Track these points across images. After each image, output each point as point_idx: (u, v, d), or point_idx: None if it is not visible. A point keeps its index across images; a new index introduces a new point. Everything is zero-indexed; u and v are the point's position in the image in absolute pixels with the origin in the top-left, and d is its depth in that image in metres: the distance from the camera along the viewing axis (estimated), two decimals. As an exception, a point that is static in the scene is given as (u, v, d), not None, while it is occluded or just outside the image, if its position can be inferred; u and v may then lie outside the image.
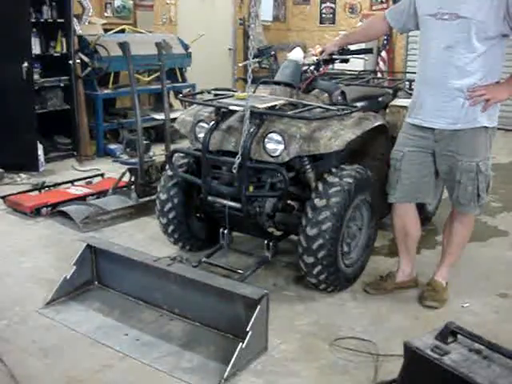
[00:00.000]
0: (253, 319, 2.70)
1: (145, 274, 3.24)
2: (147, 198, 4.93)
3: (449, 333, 2.18)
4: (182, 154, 3.85)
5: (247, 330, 2.69)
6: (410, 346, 2.19)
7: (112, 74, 7.13)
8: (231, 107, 3.44)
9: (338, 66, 4.42)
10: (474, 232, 3.57)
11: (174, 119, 4.06)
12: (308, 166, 3.43)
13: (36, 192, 5.26)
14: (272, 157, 3.31)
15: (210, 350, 2.88)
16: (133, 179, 4.99)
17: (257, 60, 4.04)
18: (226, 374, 2.63)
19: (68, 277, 3.33)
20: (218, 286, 2.90)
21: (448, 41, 3.05)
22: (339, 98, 3.75)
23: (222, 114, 3.51)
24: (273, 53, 4.15)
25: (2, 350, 2.85)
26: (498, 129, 3.34)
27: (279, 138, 3.29)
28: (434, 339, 2.19)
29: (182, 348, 2.90)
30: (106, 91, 7.12)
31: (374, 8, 10.46)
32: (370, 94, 4.34)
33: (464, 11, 2.97)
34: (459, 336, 2.18)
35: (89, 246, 3.40)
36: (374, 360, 2.85)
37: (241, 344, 2.68)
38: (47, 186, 5.38)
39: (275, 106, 3.44)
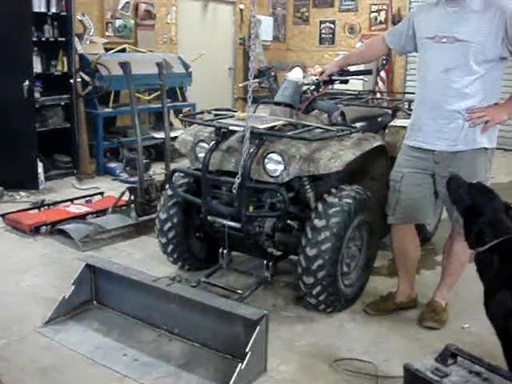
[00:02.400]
0: (252, 340, 2.70)
1: (144, 293, 3.23)
2: (147, 217, 4.93)
3: (449, 355, 2.18)
4: (182, 174, 3.86)
5: (246, 350, 2.68)
6: (410, 368, 2.19)
7: (112, 93, 7.17)
8: (231, 127, 3.46)
9: (337, 85, 4.45)
10: (474, 252, 3.56)
11: (174, 138, 4.08)
12: (308, 187, 3.44)
13: (35, 210, 5.26)
14: (272, 177, 3.32)
15: (209, 371, 2.86)
16: (132, 198, 4.99)
17: (257, 81, 4.06)
18: (225, 395, 2.62)
19: (67, 296, 3.32)
20: (217, 307, 2.89)
21: (446, 64, 3.08)
22: (338, 118, 3.77)
23: (222, 134, 3.52)
24: (273, 74, 4.17)
25: (0, 369, 2.84)
26: (498, 148, 3.35)
27: (279, 158, 3.30)
28: (434, 361, 2.19)
29: (181, 369, 2.89)
30: (106, 110, 7.15)
31: (373, 28, 10.57)
32: (370, 115, 4.36)
33: (462, 35, 3.00)
34: (459, 358, 2.18)
35: (88, 266, 3.39)
36: (373, 381, 2.84)
37: (240, 365, 2.67)
38: (47, 205, 5.37)
39: (275, 126, 3.46)
